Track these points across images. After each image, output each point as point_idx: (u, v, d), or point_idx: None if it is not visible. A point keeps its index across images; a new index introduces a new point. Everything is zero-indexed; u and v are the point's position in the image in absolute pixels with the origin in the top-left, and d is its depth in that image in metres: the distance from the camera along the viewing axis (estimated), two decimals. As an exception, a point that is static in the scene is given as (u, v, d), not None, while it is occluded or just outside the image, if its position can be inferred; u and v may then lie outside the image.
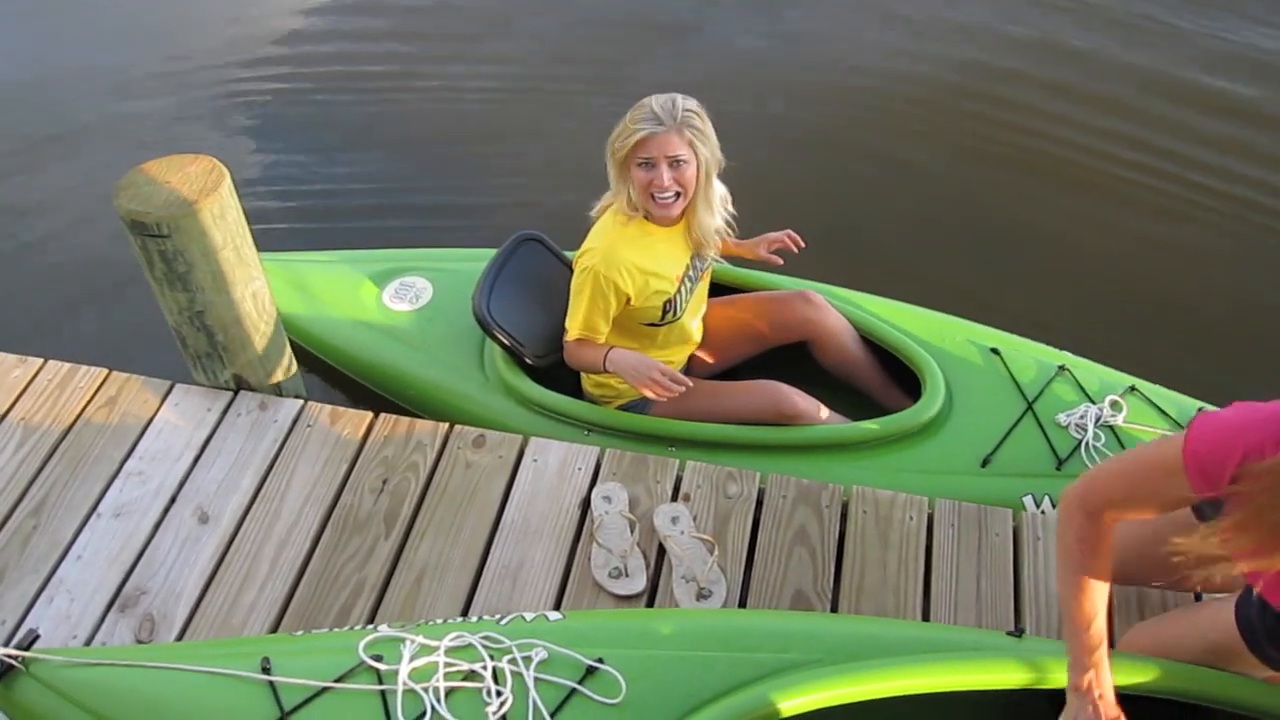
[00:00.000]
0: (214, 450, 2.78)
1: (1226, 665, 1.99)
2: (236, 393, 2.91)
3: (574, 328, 2.77)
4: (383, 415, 2.86)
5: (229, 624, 2.42)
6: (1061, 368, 2.95)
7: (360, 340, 3.23)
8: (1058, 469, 2.76)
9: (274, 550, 2.56)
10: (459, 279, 3.28)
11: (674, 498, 2.66)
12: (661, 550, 2.55)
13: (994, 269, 3.98)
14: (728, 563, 2.52)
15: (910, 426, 2.84)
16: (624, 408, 2.95)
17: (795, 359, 3.12)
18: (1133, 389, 2.91)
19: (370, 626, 2.03)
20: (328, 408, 2.88)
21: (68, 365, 2.97)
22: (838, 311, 3.06)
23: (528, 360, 3.00)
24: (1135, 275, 3.97)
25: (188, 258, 2.56)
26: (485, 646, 1.88)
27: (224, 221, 2.56)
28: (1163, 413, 2.86)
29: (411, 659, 1.87)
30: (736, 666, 1.95)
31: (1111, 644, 2.33)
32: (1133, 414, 2.84)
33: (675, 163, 2.55)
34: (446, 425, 2.83)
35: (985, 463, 2.80)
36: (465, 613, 2.43)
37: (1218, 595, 2.26)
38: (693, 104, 2.57)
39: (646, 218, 2.68)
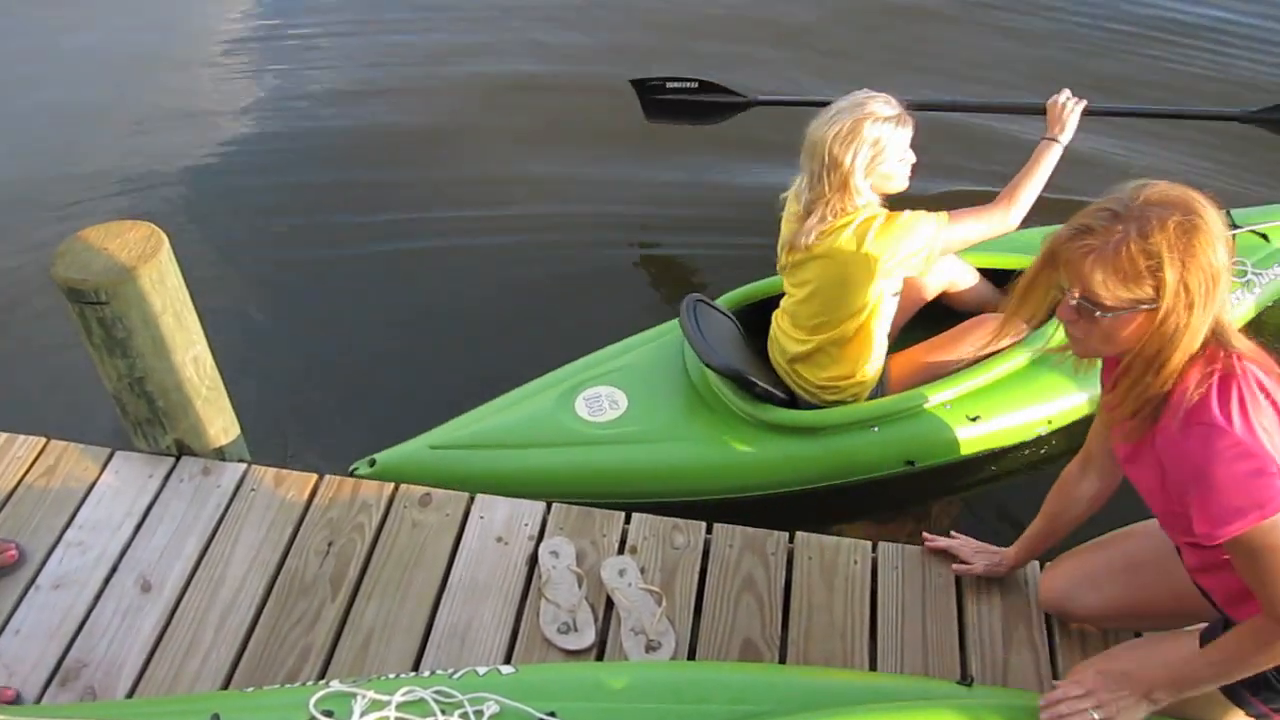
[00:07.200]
0: (156, 517, 2.75)
1: (1184, 705, 2.01)
2: (178, 458, 2.89)
3: (942, 240, 2.85)
4: (327, 477, 2.85)
5: (173, 694, 2.38)
6: None
7: (601, 460, 3.12)
8: None
9: (218, 617, 2.53)
10: (637, 374, 3.26)
11: (621, 550, 2.67)
12: (610, 603, 2.55)
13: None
14: (676, 614, 2.53)
15: None
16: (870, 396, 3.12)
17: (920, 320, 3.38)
18: None
19: (321, 682, 2.01)
20: (271, 471, 2.86)
21: (4, 434, 2.93)
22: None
23: (775, 401, 3.08)
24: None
25: (127, 324, 2.55)
26: (437, 701, 1.88)
27: (163, 287, 2.56)
28: None
29: (362, 714, 1.86)
30: (688, 719, 1.96)
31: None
32: None
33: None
34: (392, 485, 2.82)
35: None
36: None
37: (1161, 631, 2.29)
38: None
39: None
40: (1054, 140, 3.00)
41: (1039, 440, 3.27)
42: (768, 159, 4.44)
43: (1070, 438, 3.26)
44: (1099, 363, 2.11)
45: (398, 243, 4.38)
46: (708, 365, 3.07)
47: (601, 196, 4.63)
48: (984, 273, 3.45)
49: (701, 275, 4.24)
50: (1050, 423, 3.23)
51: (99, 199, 4.58)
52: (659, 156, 4.79)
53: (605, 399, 3.20)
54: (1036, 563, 2.57)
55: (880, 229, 2.78)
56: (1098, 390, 3.16)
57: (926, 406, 3.09)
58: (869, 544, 2.67)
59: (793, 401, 3.12)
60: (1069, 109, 3.05)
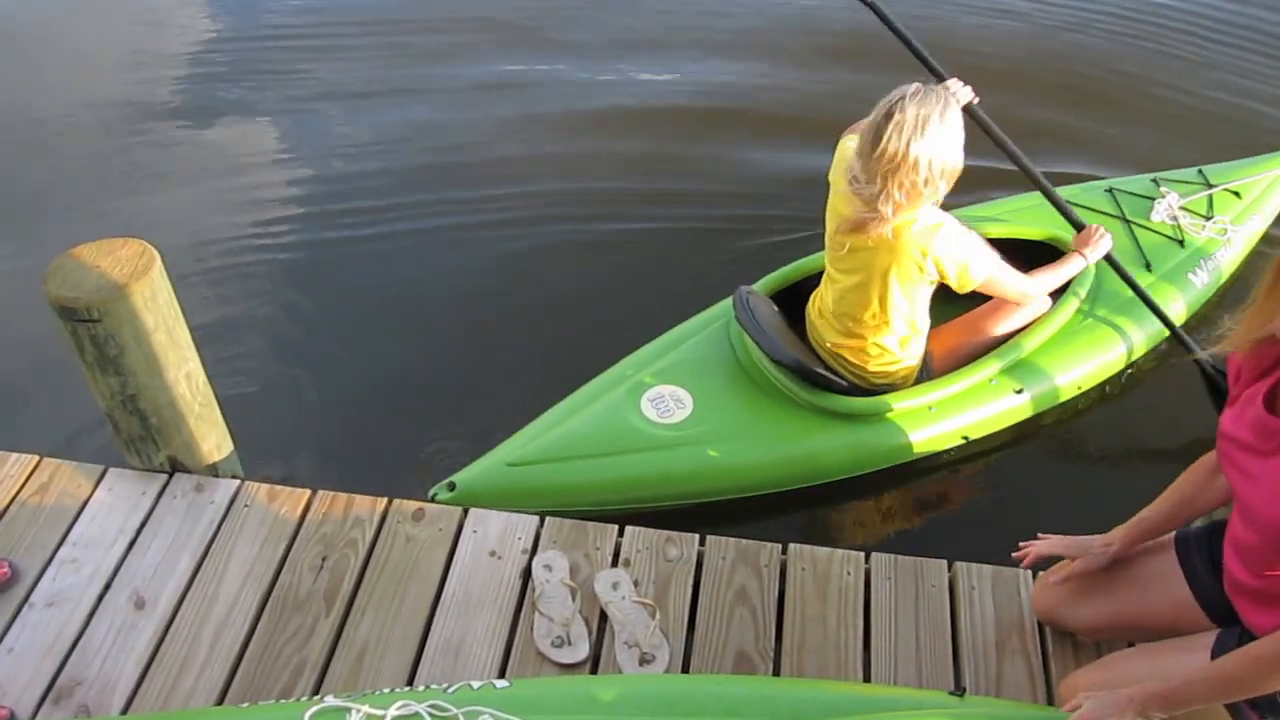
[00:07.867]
0: (149, 534, 2.75)
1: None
2: (172, 475, 2.88)
3: (987, 273, 2.98)
4: (320, 492, 2.85)
5: (167, 710, 2.37)
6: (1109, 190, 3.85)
7: (680, 463, 3.11)
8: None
9: (212, 634, 2.52)
10: (693, 369, 3.27)
11: (614, 563, 2.68)
12: (604, 617, 2.55)
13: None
14: (670, 626, 2.53)
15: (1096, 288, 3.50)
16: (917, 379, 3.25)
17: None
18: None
19: (316, 697, 2.01)
20: (265, 487, 2.86)
21: (-3, 453, 2.93)
22: None
23: (838, 386, 3.16)
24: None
25: (119, 341, 2.55)
26: (431, 715, 1.88)
27: (155, 304, 2.56)
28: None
29: (357, 729, 1.86)
30: (682, 732, 1.97)
31: (1050, 698, 2.38)
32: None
33: None
34: (385, 500, 2.82)
35: (1149, 267, 3.58)
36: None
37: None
38: None
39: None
40: (1082, 256, 3.36)
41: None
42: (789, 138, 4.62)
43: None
44: None
45: (390, 253, 4.38)
46: (775, 361, 3.12)
47: (603, 179, 4.71)
48: (998, 244, 3.39)
49: (728, 256, 4.23)
50: (1080, 387, 3.45)
51: (89, 215, 4.56)
52: (680, 138, 4.91)
53: (670, 399, 3.20)
54: (1030, 571, 2.58)
55: (946, 237, 2.85)
56: (1123, 350, 3.44)
57: (976, 384, 3.24)
58: (861, 555, 2.68)
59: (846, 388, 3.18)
60: (1100, 242, 3.36)
